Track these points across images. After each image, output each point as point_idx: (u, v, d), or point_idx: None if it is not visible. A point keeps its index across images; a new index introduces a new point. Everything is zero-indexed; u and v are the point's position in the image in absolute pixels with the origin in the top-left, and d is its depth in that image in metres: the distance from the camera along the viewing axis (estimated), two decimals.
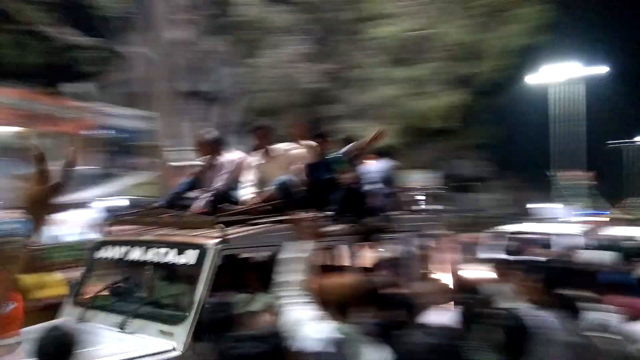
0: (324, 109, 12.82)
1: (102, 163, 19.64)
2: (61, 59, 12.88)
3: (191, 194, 4.85)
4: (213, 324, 3.11)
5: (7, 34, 12.07)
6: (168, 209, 4.55)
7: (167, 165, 8.75)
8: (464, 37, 11.24)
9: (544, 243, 9.99)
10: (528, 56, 19.68)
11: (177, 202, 4.73)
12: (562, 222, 12.80)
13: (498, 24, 12.10)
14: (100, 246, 4.55)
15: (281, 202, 4.51)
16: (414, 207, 6.58)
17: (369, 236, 4.95)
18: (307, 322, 2.50)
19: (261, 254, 5.22)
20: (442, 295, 3.64)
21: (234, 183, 4.95)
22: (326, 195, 4.83)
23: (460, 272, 5.32)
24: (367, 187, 5.26)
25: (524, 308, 2.75)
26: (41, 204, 1.31)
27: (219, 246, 3.73)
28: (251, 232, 4.17)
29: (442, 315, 3.17)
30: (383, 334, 2.64)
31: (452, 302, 3.32)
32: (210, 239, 3.78)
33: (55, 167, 1.34)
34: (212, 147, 5.03)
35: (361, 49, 11.78)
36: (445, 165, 41.09)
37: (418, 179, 29.18)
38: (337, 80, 12.46)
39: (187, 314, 3.45)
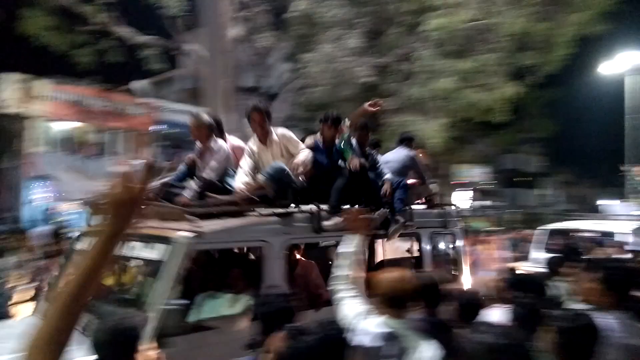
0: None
1: (162, 158, 20.33)
2: (123, 57, 13.43)
3: (185, 183, 4.41)
4: (176, 325, 3.06)
5: (74, 34, 12.68)
6: (156, 200, 4.06)
7: None
8: (525, 27, 10.79)
9: (597, 241, 9.59)
10: (600, 45, 18.71)
11: (166, 192, 4.24)
12: (620, 219, 12.08)
13: (562, 12, 11.57)
14: (82, 237, 4.31)
15: (273, 192, 4.09)
16: (435, 202, 6.05)
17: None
18: (361, 317, 2.52)
19: (243, 250, 4.90)
20: (497, 293, 3.46)
21: (228, 171, 4.51)
22: (328, 185, 4.38)
23: (515, 269, 5.03)
24: (384, 177, 4.80)
25: (589, 309, 2.57)
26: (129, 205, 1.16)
27: (190, 240, 3.39)
28: (230, 225, 3.76)
29: (498, 314, 3.01)
30: (436, 331, 2.63)
31: (507, 301, 3.11)
32: (182, 233, 3.44)
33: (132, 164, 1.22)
34: (207, 131, 4.51)
35: (417, 41, 11.56)
36: (500, 160, 40.06)
37: (470, 174, 28.66)
38: (392, 74, 12.31)
39: (148, 313, 3.15)
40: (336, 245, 4.28)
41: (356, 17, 11.94)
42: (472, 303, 3.08)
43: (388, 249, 5.75)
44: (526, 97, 18.98)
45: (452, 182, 29.04)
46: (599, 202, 31.74)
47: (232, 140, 4.84)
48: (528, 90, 13.28)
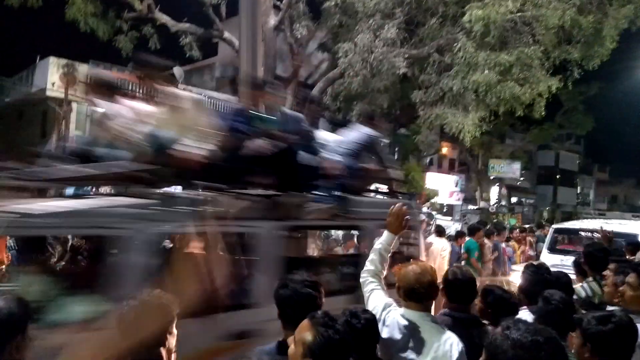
0: (416, 95, 12.56)
1: None
2: (161, 43, 13.72)
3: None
4: None
5: (118, 20, 13.01)
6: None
7: None
8: (570, 19, 10.44)
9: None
10: None
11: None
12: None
13: (610, 5, 11.17)
14: None
15: (142, 169, 3.18)
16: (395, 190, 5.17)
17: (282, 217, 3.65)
18: (387, 308, 2.57)
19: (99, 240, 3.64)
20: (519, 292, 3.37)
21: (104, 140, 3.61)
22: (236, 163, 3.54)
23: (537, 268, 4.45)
24: (317, 158, 4.08)
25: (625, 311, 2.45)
26: None
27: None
28: (74, 207, 2.92)
29: (526, 314, 2.96)
30: (460, 325, 2.63)
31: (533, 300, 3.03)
32: None
33: None
34: (102, 91, 3.75)
35: (457, 32, 11.34)
36: (538, 156, 39.05)
37: (506, 170, 28.06)
38: (431, 65, 12.13)
39: None
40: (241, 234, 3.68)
41: (395, 7, 11.80)
42: (502, 301, 2.98)
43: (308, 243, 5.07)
44: (567, 92, 18.44)
45: (490, 177, 28.51)
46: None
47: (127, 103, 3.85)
48: (571, 85, 12.89)
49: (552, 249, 9.11)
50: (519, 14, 10.66)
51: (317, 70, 18.07)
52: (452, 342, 2.41)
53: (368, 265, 2.77)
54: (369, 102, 13.27)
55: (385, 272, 2.76)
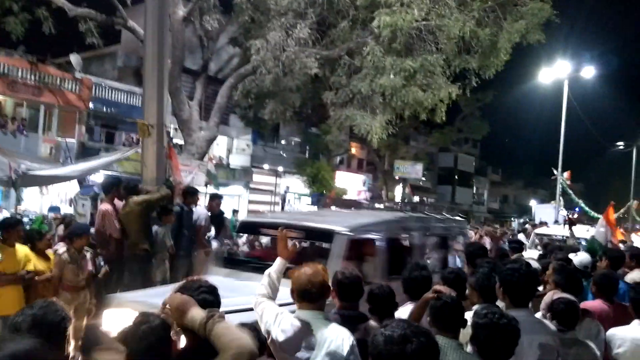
0: (327, 95, 12.74)
1: (90, 136, 19.42)
2: (56, 29, 12.66)
3: None
4: None
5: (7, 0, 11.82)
6: None
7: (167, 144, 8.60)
8: (470, 31, 11.17)
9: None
10: (541, 53, 19.69)
11: None
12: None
13: (506, 20, 12.06)
14: None
15: None
16: None
17: None
18: (279, 315, 2.66)
19: None
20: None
21: None
22: None
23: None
24: None
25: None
26: None
27: None
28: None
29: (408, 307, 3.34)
30: (350, 322, 2.80)
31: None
32: None
33: None
34: None
35: (367, 36, 11.66)
36: (439, 158, 41.30)
37: (409, 170, 29.45)
38: (341, 67, 12.36)
39: None
40: None
41: (307, 7, 11.87)
42: (387, 299, 3.30)
43: None
44: (466, 99, 19.74)
45: (396, 177, 29.72)
46: (530, 203, 33.63)
47: None
48: (469, 92, 13.78)
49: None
50: (424, 23, 11.19)
51: (227, 65, 17.68)
52: (343, 337, 2.53)
53: (260, 289, 2.85)
54: (281, 101, 13.24)
55: (277, 295, 2.85)
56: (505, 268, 3.03)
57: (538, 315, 3.21)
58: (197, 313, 1.89)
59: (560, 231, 12.75)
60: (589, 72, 21.25)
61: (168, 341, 1.98)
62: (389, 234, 5.58)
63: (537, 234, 13.31)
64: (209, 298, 2.22)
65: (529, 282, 2.94)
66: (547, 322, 3.04)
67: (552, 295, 3.41)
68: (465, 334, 2.57)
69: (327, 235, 4.92)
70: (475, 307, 2.78)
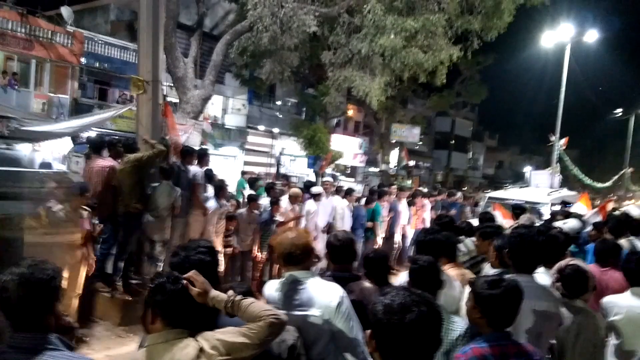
0: (326, 55, 12.46)
1: (83, 93, 19.09)
2: None
3: None
4: None
5: None
6: None
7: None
8: None
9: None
10: (544, 16, 19.27)
11: None
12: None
13: None
14: None
15: None
16: None
17: None
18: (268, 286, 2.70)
19: None
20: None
21: None
22: None
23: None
24: None
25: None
26: None
27: None
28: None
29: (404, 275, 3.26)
30: (341, 281, 2.77)
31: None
32: None
33: None
34: None
35: None
36: (436, 122, 41.03)
37: (405, 134, 29.27)
38: (340, 25, 12.03)
39: None
40: None
41: None
42: (381, 263, 3.27)
43: None
44: (466, 61, 19.38)
45: (392, 141, 29.55)
46: (525, 169, 33.61)
47: None
48: (470, 55, 13.52)
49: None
50: None
51: (223, 21, 17.22)
52: (334, 290, 2.52)
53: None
54: (278, 60, 12.96)
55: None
56: (512, 233, 3.03)
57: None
58: (218, 294, 2.03)
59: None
60: (592, 35, 20.80)
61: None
62: None
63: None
64: (206, 259, 2.19)
65: (534, 248, 2.92)
66: (551, 289, 3.04)
67: (567, 261, 3.42)
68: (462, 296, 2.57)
69: None
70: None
